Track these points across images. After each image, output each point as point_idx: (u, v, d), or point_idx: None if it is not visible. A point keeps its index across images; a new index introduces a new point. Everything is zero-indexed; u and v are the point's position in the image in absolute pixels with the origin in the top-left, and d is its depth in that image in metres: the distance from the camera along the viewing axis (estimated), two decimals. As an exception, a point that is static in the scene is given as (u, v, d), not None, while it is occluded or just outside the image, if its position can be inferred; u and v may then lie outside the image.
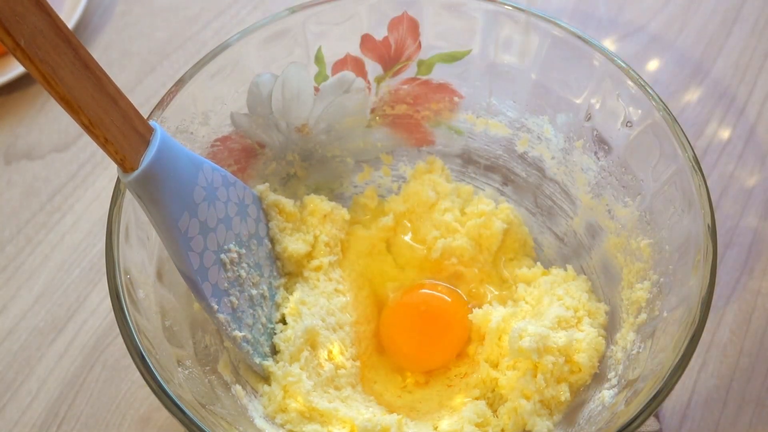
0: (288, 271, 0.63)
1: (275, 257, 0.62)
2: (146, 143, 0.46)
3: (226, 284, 0.54)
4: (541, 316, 0.59)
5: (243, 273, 0.56)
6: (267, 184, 0.62)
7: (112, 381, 0.67)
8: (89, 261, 0.73)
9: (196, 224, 0.51)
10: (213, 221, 0.53)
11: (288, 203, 0.62)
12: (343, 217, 0.65)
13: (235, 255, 0.55)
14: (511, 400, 0.56)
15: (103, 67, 0.86)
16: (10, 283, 0.72)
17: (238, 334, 0.55)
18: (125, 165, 0.45)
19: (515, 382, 0.56)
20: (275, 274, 0.62)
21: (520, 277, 0.64)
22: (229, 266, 0.55)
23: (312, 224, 0.63)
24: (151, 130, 0.47)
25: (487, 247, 0.65)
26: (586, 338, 0.56)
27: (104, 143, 0.44)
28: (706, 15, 0.88)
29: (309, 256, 0.63)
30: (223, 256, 0.54)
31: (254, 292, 0.58)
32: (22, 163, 0.80)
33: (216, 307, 0.53)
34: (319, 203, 0.64)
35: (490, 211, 0.65)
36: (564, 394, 0.55)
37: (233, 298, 0.55)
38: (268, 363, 0.57)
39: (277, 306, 0.61)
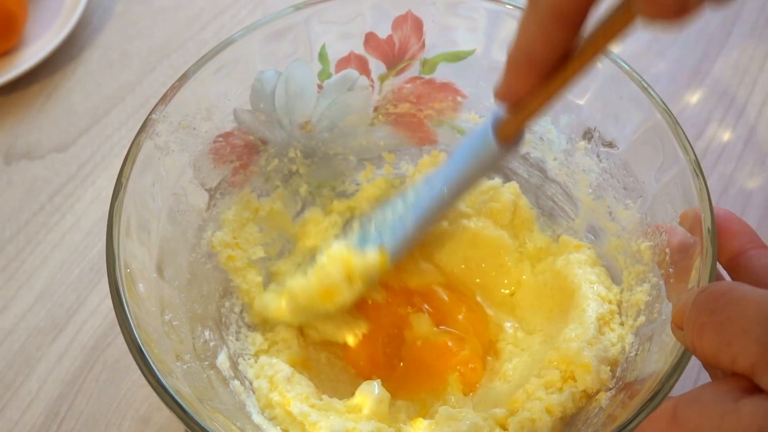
0: None
1: None
2: None
3: None
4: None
5: None
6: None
7: (112, 381, 0.67)
8: (89, 261, 0.73)
9: None
10: None
11: None
12: None
13: None
14: (528, 411, 0.54)
15: (103, 67, 0.86)
16: (10, 283, 0.72)
17: None
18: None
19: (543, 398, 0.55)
20: None
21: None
22: None
23: None
24: None
25: (501, 222, 0.65)
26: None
27: None
28: (706, 15, 0.88)
29: None
30: None
31: None
32: (22, 163, 0.80)
33: None
34: None
35: (496, 186, 0.65)
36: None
37: None
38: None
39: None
